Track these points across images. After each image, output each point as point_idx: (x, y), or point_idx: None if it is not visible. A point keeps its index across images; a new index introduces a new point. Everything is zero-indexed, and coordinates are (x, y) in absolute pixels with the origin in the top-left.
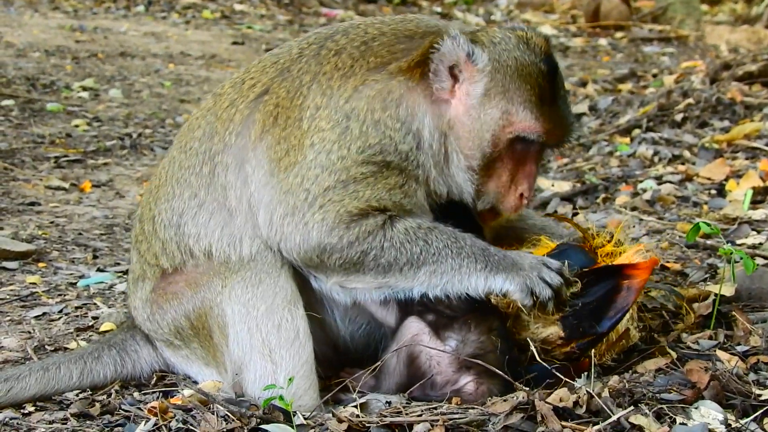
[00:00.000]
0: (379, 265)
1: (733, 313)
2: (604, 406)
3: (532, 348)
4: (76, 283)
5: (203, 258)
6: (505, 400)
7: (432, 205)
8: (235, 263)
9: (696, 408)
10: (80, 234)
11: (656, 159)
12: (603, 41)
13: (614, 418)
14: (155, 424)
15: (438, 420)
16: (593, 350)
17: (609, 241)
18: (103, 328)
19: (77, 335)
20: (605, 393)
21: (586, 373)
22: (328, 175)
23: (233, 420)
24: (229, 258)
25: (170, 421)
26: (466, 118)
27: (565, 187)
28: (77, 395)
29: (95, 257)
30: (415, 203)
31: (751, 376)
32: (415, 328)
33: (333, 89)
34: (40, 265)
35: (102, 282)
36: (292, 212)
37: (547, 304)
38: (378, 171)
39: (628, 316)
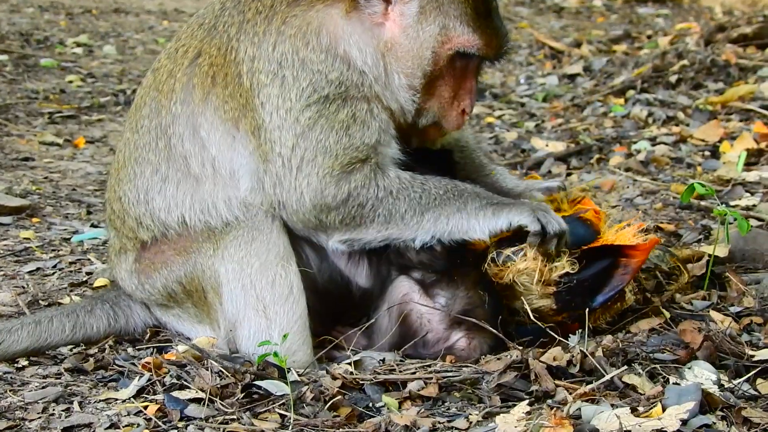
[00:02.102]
0: (378, 216)
1: (727, 274)
2: (597, 365)
3: (526, 307)
4: (69, 238)
5: (180, 228)
6: (498, 359)
7: (398, 131)
8: (222, 226)
9: (689, 368)
10: (74, 190)
11: (650, 120)
12: (597, 2)
13: (608, 377)
14: (149, 380)
15: (432, 378)
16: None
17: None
18: (97, 284)
19: (71, 290)
20: (599, 352)
21: (580, 331)
22: (286, 132)
23: (227, 376)
24: (208, 224)
25: (164, 377)
26: (403, 39)
27: (559, 147)
28: (71, 350)
29: (89, 213)
30: (378, 128)
31: (744, 337)
32: (405, 287)
33: (260, 36)
34: (34, 220)
35: (96, 238)
36: (279, 181)
37: (553, 241)
38: (323, 109)
39: None
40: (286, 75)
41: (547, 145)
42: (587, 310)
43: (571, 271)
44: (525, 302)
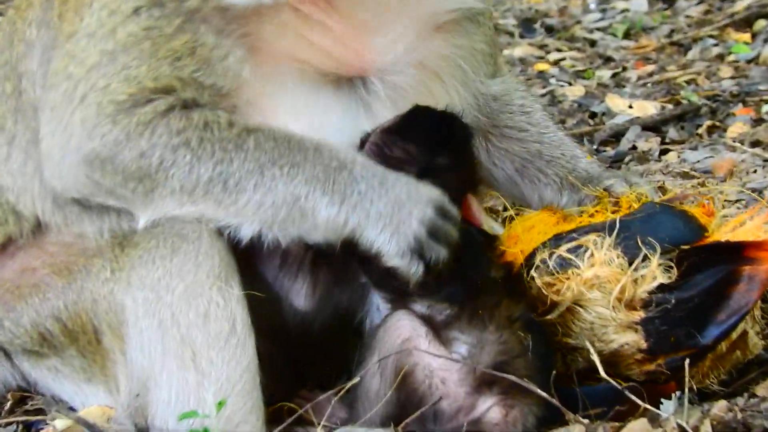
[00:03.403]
0: (173, 177)
1: None
2: None
3: (594, 357)
4: None
5: (34, 225)
6: None
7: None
8: (121, 232)
9: None
10: None
11: None
12: None
13: None
14: None
15: None
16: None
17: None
18: None
19: None
20: (707, 426)
21: (677, 394)
22: (94, 44)
23: None
24: (81, 224)
25: None
26: None
27: (649, 109)
28: None
29: None
30: (224, 73)
31: None
32: (406, 328)
33: None
34: None
35: None
36: (51, 116)
37: (440, 270)
38: (153, 26)
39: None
40: None
41: (630, 107)
42: (698, 352)
43: (667, 283)
44: (595, 340)
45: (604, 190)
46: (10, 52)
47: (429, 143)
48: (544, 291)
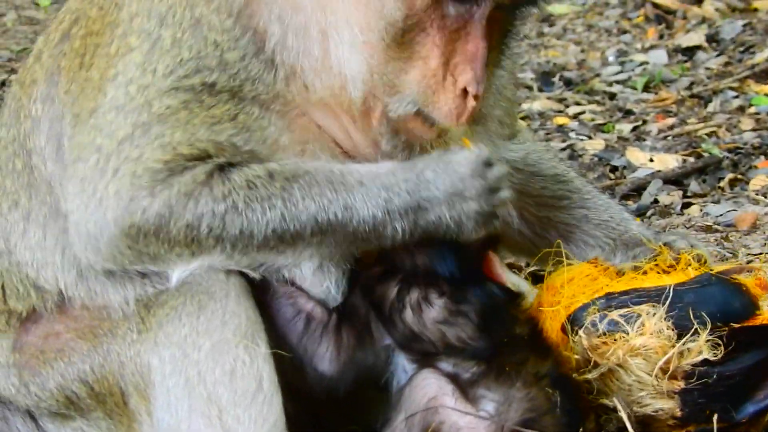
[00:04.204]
0: (224, 242)
1: None
2: None
3: (623, 416)
4: None
5: (58, 298)
6: None
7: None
8: (144, 298)
9: None
10: None
11: None
12: None
13: None
14: None
15: None
16: None
17: None
18: None
19: None
20: None
21: None
22: (124, 117)
23: None
24: (105, 299)
25: None
26: None
27: (670, 162)
28: None
29: None
30: (263, 141)
31: None
32: (432, 386)
33: None
34: None
35: None
36: (81, 188)
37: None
38: (193, 99)
39: None
40: (164, 36)
41: (651, 160)
42: (730, 425)
43: (712, 359)
44: (636, 402)
45: (664, 245)
46: (17, 128)
47: None
48: (589, 353)
